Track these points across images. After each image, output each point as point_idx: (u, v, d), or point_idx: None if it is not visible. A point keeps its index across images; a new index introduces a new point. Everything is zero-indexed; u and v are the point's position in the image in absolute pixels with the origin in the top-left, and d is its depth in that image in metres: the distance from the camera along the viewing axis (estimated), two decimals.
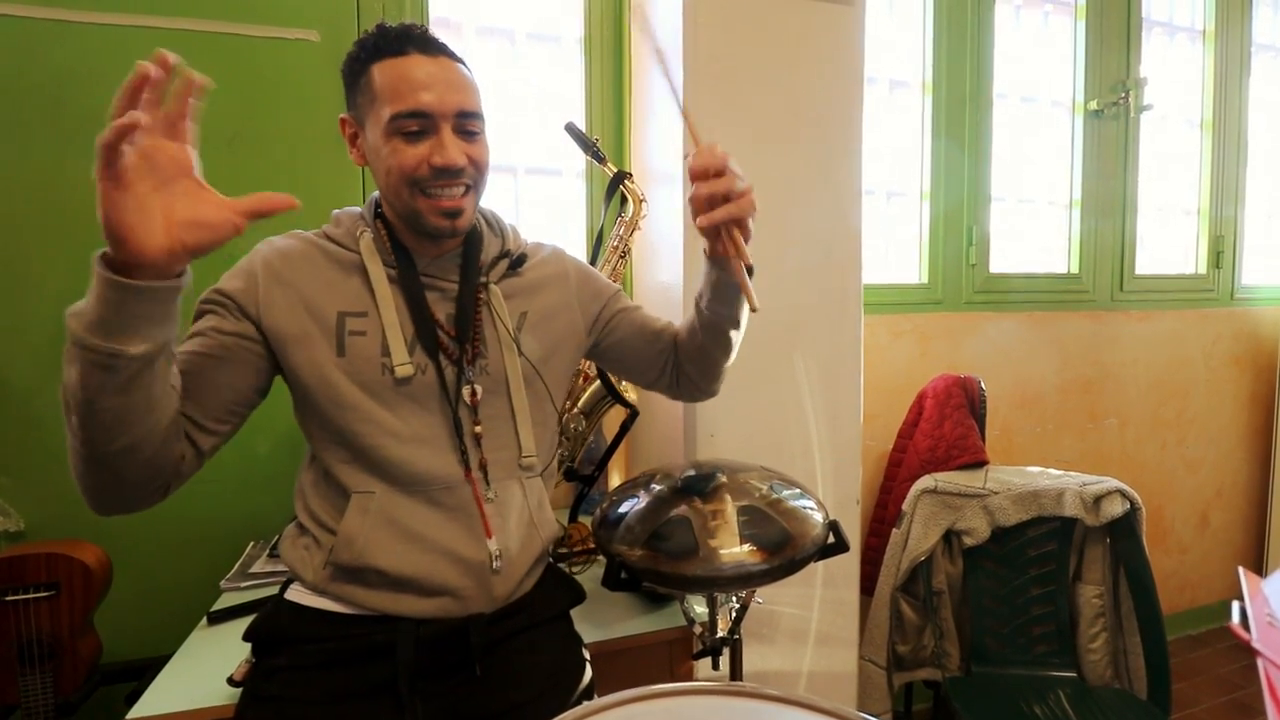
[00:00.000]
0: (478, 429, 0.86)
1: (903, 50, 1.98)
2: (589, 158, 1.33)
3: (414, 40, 0.81)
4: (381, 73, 0.80)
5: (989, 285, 2.07)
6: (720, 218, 0.75)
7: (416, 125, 0.79)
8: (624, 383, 1.31)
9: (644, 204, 1.32)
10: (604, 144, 1.34)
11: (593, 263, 1.36)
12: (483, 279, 0.90)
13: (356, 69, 0.82)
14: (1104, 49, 2.20)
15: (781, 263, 1.34)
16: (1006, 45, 2.09)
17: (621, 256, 1.32)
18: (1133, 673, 1.55)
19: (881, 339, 1.93)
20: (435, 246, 0.88)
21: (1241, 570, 0.43)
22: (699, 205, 0.76)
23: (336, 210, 0.91)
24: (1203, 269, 2.47)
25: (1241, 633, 0.39)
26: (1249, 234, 2.52)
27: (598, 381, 1.29)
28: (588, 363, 1.31)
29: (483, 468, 0.86)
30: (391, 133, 0.79)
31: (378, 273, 0.84)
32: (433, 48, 0.81)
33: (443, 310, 0.87)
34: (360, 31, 1.41)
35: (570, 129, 1.33)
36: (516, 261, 0.93)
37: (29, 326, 1.24)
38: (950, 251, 2.02)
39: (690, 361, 0.99)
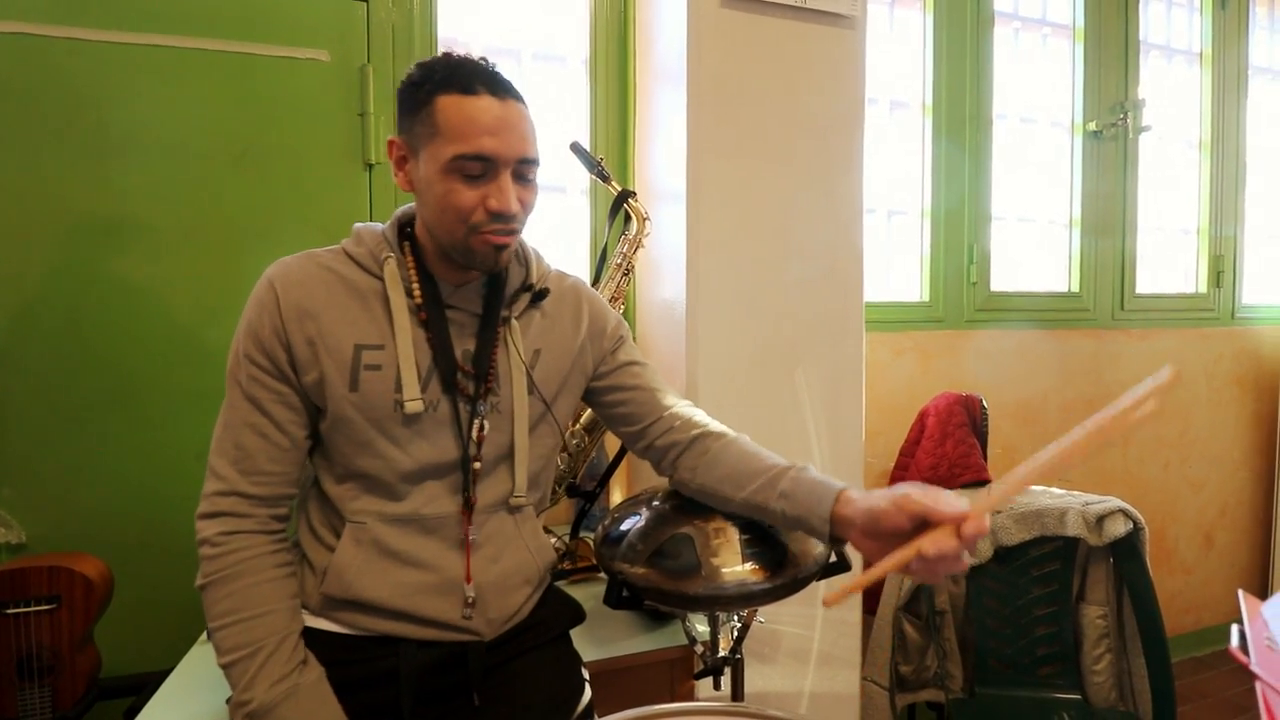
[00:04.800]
0: (476, 465, 0.85)
1: (903, 71, 2.00)
2: (593, 176, 1.35)
3: (484, 79, 0.79)
4: (447, 107, 0.77)
5: (990, 303, 2.08)
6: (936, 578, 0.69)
7: (479, 169, 0.77)
8: None
9: (647, 222, 1.33)
10: (608, 163, 1.36)
11: (596, 280, 1.37)
12: (504, 313, 0.88)
13: (419, 96, 0.79)
14: (1102, 71, 2.22)
15: (783, 280, 1.35)
16: (1006, 67, 2.11)
17: (625, 274, 1.33)
18: (1137, 695, 1.53)
19: (883, 357, 1.93)
20: (463, 274, 0.86)
21: (1241, 593, 0.43)
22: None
23: (359, 225, 0.88)
24: (1203, 288, 2.48)
25: (1240, 656, 0.39)
26: (1249, 253, 2.53)
27: None
28: None
29: (472, 504, 0.85)
30: (451, 171, 0.77)
31: (399, 303, 0.82)
32: (502, 89, 0.79)
33: (461, 346, 0.85)
34: (369, 52, 1.43)
35: (575, 148, 1.34)
36: (538, 296, 0.91)
37: (34, 340, 1.25)
38: (951, 270, 2.03)
39: (704, 493, 0.90)
